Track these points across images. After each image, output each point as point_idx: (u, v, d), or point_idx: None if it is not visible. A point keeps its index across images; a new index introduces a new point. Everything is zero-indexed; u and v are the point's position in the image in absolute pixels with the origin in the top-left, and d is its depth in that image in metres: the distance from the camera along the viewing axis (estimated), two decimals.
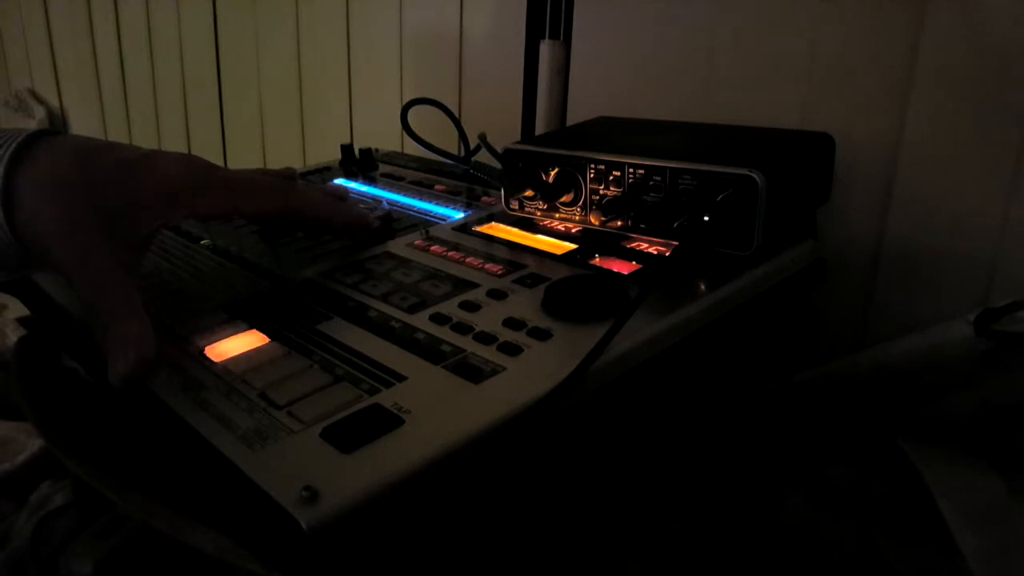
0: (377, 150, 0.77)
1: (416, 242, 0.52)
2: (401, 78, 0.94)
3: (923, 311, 0.56)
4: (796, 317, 0.54)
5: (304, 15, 1.06)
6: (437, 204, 0.61)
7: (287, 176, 0.51)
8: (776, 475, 0.48)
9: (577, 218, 0.52)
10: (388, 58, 0.94)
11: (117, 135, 1.53)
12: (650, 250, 0.49)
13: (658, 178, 0.47)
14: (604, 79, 0.73)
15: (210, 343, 0.39)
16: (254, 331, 0.40)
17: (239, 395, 0.34)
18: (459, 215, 0.58)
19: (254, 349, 0.39)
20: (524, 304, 0.42)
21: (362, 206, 0.61)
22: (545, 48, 0.75)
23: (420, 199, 0.63)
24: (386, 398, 0.33)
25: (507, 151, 0.53)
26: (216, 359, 0.38)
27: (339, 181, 0.70)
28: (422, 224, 0.56)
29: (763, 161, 0.44)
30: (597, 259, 0.48)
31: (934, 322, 0.47)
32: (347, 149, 0.74)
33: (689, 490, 0.46)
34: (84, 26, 1.50)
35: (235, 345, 0.39)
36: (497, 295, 0.43)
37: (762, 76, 0.62)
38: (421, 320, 0.41)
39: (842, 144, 0.54)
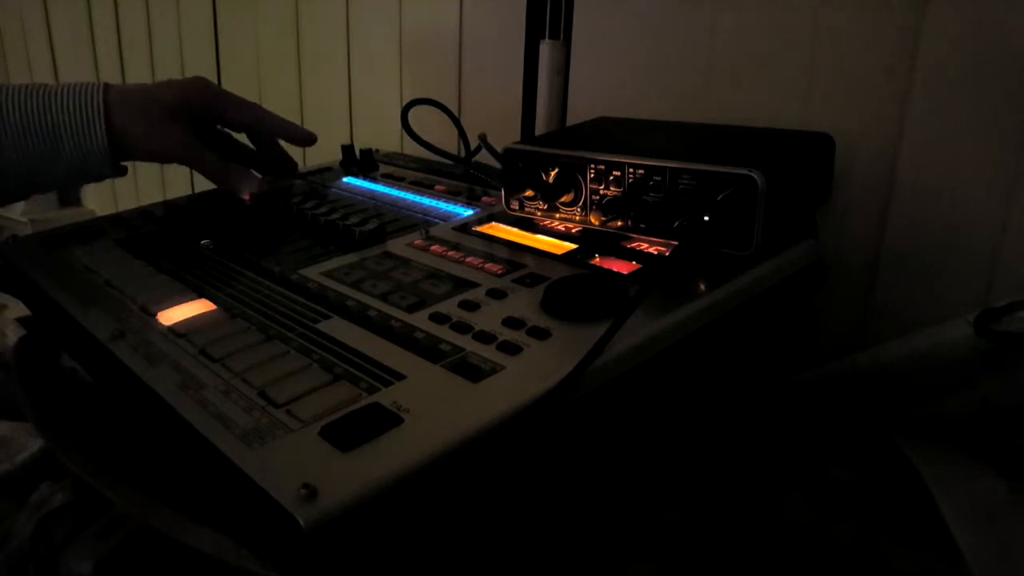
0: (377, 150, 0.77)
1: (416, 242, 0.52)
2: (401, 78, 0.94)
3: (923, 311, 0.56)
4: (796, 317, 0.54)
5: (304, 16, 1.06)
6: (437, 204, 0.61)
7: None
8: (776, 475, 0.48)
9: (577, 218, 0.52)
10: (388, 58, 0.94)
11: None
12: (650, 250, 0.49)
13: (658, 178, 0.47)
14: (604, 79, 0.73)
15: (207, 338, 0.39)
16: (251, 326, 0.41)
17: (238, 394, 0.34)
18: (459, 215, 0.58)
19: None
20: (524, 303, 0.42)
21: (362, 207, 0.61)
22: (545, 48, 0.75)
23: (421, 199, 0.63)
24: (385, 397, 0.33)
25: (507, 151, 0.53)
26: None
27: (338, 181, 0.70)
28: (422, 224, 0.56)
29: (763, 161, 0.44)
30: (597, 259, 0.48)
31: (934, 322, 0.47)
32: (348, 149, 0.74)
33: (689, 490, 0.46)
34: (84, 26, 1.50)
35: (234, 342, 0.39)
36: (497, 294, 0.43)
37: (762, 76, 0.62)
38: (420, 319, 0.41)
39: (842, 144, 0.54)
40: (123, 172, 0.59)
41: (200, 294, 0.46)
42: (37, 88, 0.55)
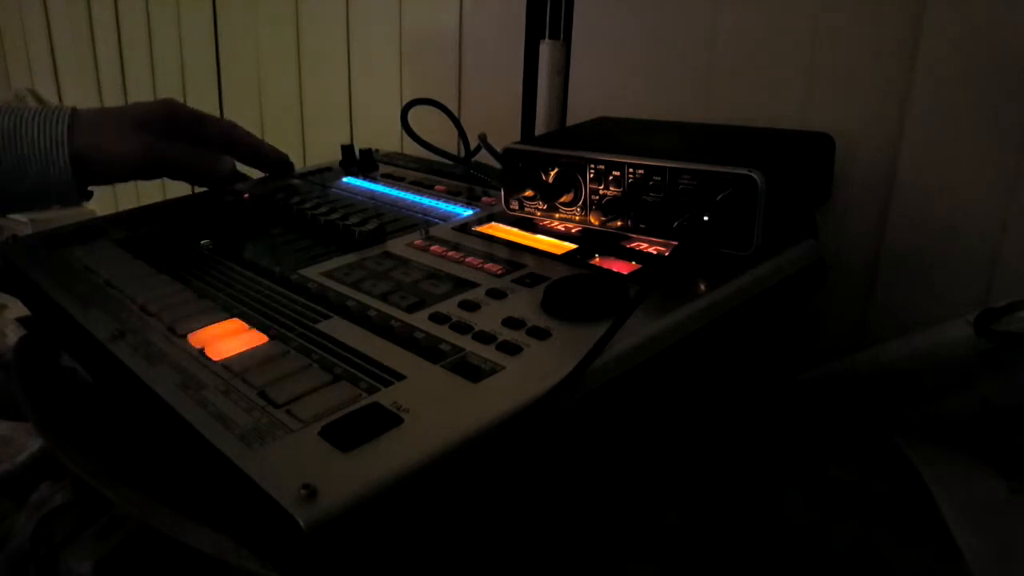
0: (377, 150, 0.77)
1: (416, 242, 0.52)
2: (401, 78, 0.94)
3: (923, 311, 0.56)
4: (796, 317, 0.54)
5: (304, 16, 1.06)
6: (437, 204, 0.61)
7: None
8: (776, 475, 0.48)
9: (577, 218, 0.52)
10: (388, 58, 0.94)
11: None
12: (650, 250, 0.49)
13: (658, 178, 0.47)
14: (604, 79, 0.73)
15: (209, 342, 0.39)
16: (253, 330, 0.40)
17: (238, 394, 0.34)
18: (459, 215, 0.58)
19: (253, 347, 0.39)
20: (523, 303, 0.42)
21: (362, 207, 0.61)
22: (545, 48, 0.75)
23: (420, 199, 0.63)
24: (385, 397, 0.33)
25: (507, 151, 0.53)
26: (215, 357, 0.38)
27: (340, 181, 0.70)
28: (422, 224, 0.56)
29: (763, 161, 0.44)
30: (597, 259, 0.48)
31: (934, 322, 0.47)
32: (347, 149, 0.74)
33: (689, 490, 0.46)
34: (84, 26, 1.50)
35: (234, 344, 0.39)
36: (496, 294, 0.43)
37: (762, 76, 0.62)
38: (420, 319, 0.41)
39: (842, 144, 0.54)
40: (88, 196, 0.60)
41: (201, 295, 0.46)
42: (5, 111, 0.56)
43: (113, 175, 0.59)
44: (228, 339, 0.40)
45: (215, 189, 0.69)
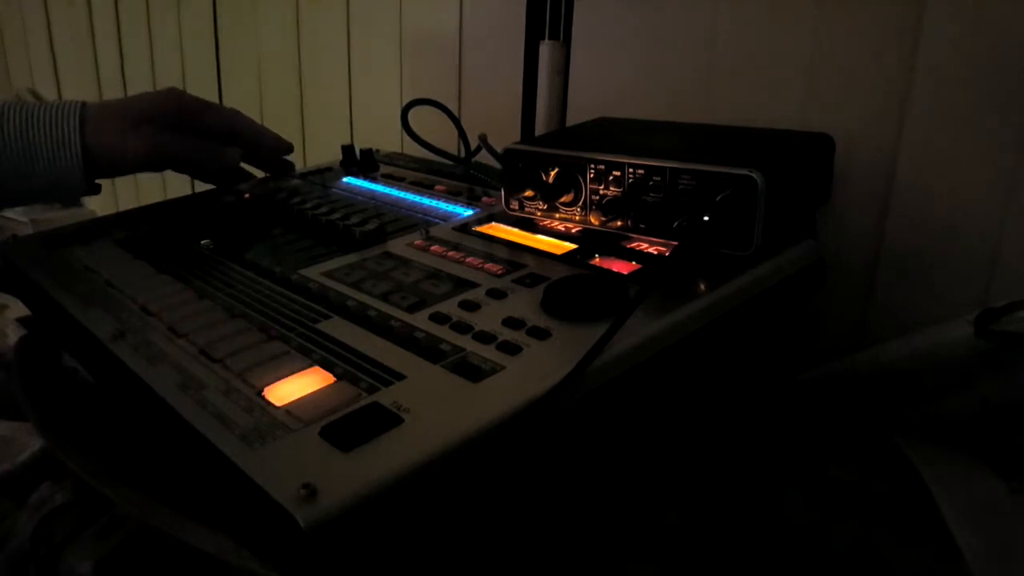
0: (378, 150, 0.77)
1: (416, 242, 0.52)
2: (401, 78, 0.94)
3: (923, 311, 0.56)
4: (796, 317, 0.54)
5: (304, 16, 1.06)
6: (437, 204, 0.61)
7: None
8: (776, 475, 0.48)
9: (577, 218, 0.52)
10: (388, 58, 0.94)
11: None
12: (650, 250, 0.49)
13: (658, 178, 0.47)
14: (604, 79, 0.73)
15: (207, 338, 0.39)
16: (251, 327, 0.40)
17: (238, 394, 0.34)
18: (459, 215, 0.58)
19: (253, 348, 0.39)
20: (523, 303, 0.42)
21: (363, 207, 0.61)
22: (545, 48, 0.75)
23: (421, 199, 0.63)
24: (385, 397, 0.33)
25: (507, 151, 0.53)
26: (215, 355, 0.38)
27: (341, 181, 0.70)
28: (422, 224, 0.56)
29: (762, 161, 0.44)
30: (597, 259, 0.48)
31: (934, 322, 0.47)
32: (348, 150, 0.74)
33: (689, 490, 0.46)
34: (85, 26, 1.50)
35: (235, 342, 0.39)
36: (497, 295, 0.43)
37: (762, 77, 0.62)
38: (421, 319, 0.41)
39: (842, 144, 0.54)
40: (97, 190, 0.59)
41: (201, 295, 0.46)
42: (14, 106, 0.55)
43: (117, 170, 0.59)
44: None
45: (219, 185, 0.69)
